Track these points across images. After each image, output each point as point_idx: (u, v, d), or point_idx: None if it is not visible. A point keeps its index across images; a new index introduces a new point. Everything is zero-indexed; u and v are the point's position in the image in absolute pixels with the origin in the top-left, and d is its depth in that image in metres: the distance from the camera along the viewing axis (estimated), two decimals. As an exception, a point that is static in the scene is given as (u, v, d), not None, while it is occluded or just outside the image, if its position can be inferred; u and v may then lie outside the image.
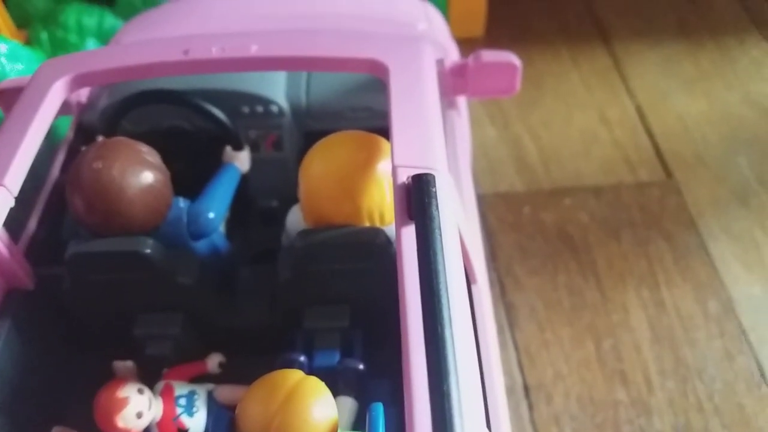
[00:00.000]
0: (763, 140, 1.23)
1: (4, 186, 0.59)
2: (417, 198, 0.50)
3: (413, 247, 0.49)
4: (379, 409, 0.51)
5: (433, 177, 0.52)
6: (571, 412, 0.91)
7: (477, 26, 1.41)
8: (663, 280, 1.04)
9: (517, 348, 0.97)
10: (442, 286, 0.45)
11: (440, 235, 0.48)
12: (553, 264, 1.06)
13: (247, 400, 0.52)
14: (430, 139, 0.58)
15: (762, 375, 0.93)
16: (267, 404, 0.51)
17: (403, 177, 0.54)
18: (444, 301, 0.45)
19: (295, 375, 0.53)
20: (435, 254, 0.47)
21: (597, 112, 1.30)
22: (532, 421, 0.90)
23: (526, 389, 0.93)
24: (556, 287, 1.04)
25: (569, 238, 1.10)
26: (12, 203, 0.60)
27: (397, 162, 0.55)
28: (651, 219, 1.12)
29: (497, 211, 1.14)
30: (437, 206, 0.50)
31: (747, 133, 1.25)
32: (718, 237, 1.09)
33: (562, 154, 1.23)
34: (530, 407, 0.91)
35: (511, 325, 1.00)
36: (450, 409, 0.40)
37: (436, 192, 0.51)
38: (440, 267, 0.46)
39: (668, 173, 1.19)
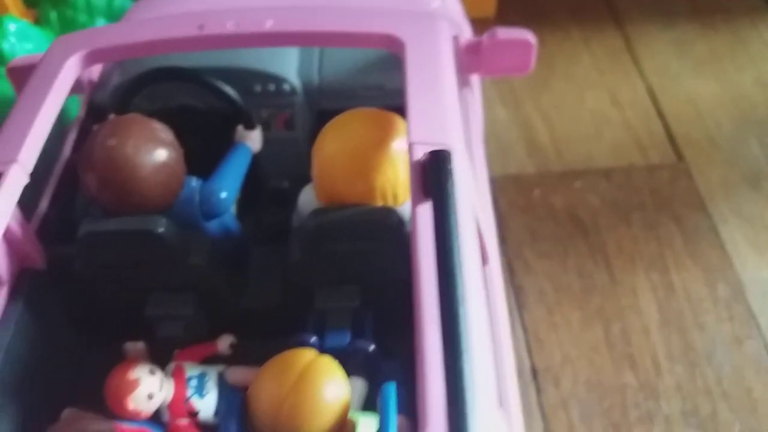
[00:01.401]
0: (775, 123, 1.22)
1: (19, 163, 0.59)
2: (434, 175, 0.50)
3: (429, 224, 0.49)
4: (391, 389, 0.51)
5: (450, 154, 0.51)
6: (579, 395, 0.91)
7: (489, 6, 1.40)
8: (672, 263, 1.04)
9: (525, 331, 0.97)
10: (457, 264, 0.45)
11: (456, 213, 0.48)
12: (563, 247, 1.06)
13: (259, 380, 0.52)
14: (447, 116, 0.57)
15: (771, 359, 0.93)
16: (279, 384, 0.51)
17: (420, 154, 0.54)
18: (459, 279, 0.44)
19: (308, 354, 0.53)
20: (451, 231, 0.47)
21: (608, 94, 1.29)
22: (540, 404, 0.90)
23: (534, 372, 0.93)
24: (565, 270, 1.04)
25: (579, 221, 1.10)
26: (27, 180, 0.60)
27: (413, 138, 0.55)
28: (661, 202, 1.11)
29: (507, 194, 1.13)
30: (453, 183, 0.50)
31: (758, 115, 1.24)
32: (729, 220, 1.09)
33: (573, 136, 1.22)
34: (538, 390, 0.91)
35: (520, 308, 1.00)
36: (463, 386, 0.40)
37: (452, 169, 0.50)
38: (456, 244, 0.46)
39: (679, 156, 1.18)
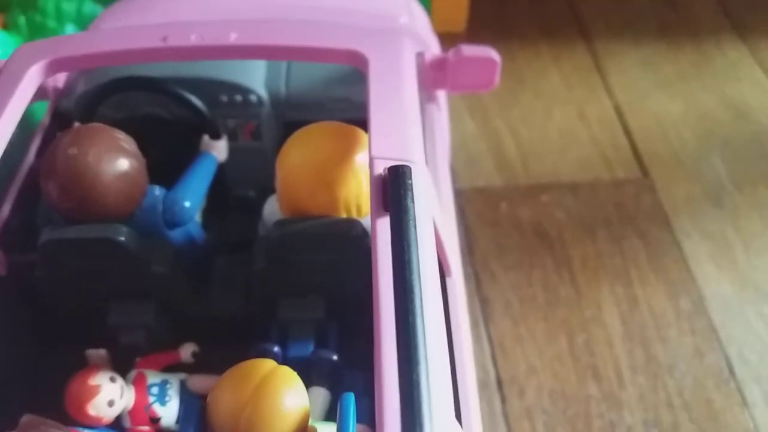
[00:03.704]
0: (738, 142, 1.25)
1: (-23, 170, 0.59)
2: (393, 190, 0.51)
3: (388, 239, 0.49)
4: (350, 399, 0.51)
5: (410, 169, 0.52)
6: (543, 405, 0.92)
7: (459, 22, 1.42)
8: (636, 278, 1.05)
9: (491, 342, 0.98)
10: (414, 277, 0.45)
11: (414, 227, 0.49)
12: (529, 260, 1.07)
13: (218, 389, 0.52)
14: (408, 131, 0.58)
15: (731, 371, 0.94)
16: (238, 393, 0.51)
17: (380, 169, 0.54)
18: (416, 291, 0.45)
19: (267, 364, 0.53)
20: (409, 246, 0.47)
21: (576, 109, 1.31)
22: (505, 415, 0.91)
23: (499, 383, 0.94)
24: (531, 283, 1.05)
25: (545, 234, 1.11)
26: None
27: (374, 153, 0.56)
28: (626, 217, 1.13)
29: (475, 206, 1.14)
30: (413, 198, 0.50)
31: (722, 134, 1.27)
32: (692, 236, 1.11)
33: (541, 150, 1.24)
34: (503, 400, 0.92)
35: (486, 320, 1.00)
36: (419, 397, 0.40)
37: (411, 184, 0.51)
38: (413, 258, 0.47)
39: (644, 172, 1.20)
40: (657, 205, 1.15)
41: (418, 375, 0.41)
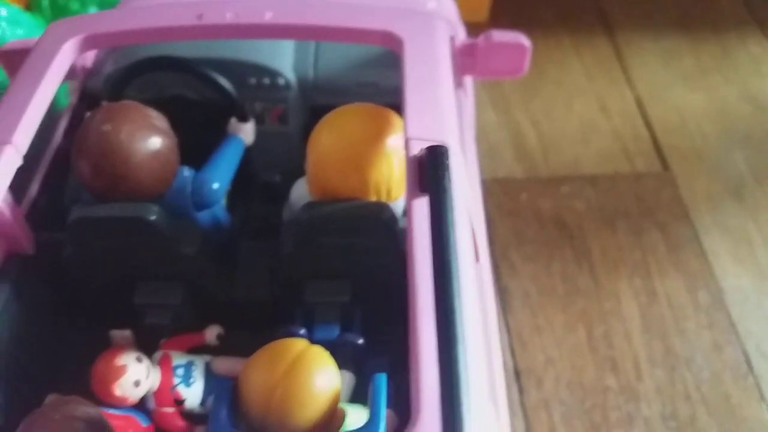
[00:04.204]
0: (760, 136, 1.24)
1: (12, 144, 0.59)
2: (431, 170, 0.51)
3: (425, 219, 0.49)
4: (382, 379, 0.51)
5: (447, 149, 0.52)
6: (561, 396, 0.92)
7: (481, 11, 1.41)
8: (655, 270, 1.05)
9: (509, 332, 0.98)
10: (453, 257, 0.45)
11: (452, 208, 0.48)
12: (549, 251, 1.07)
13: (250, 368, 0.52)
14: (444, 113, 0.58)
15: (749, 366, 0.94)
16: (271, 372, 0.51)
17: (416, 149, 0.54)
18: (455, 272, 0.45)
19: (300, 344, 0.53)
20: (448, 226, 0.47)
21: (597, 101, 1.31)
22: (522, 405, 0.91)
23: (517, 373, 0.94)
24: (550, 274, 1.05)
25: (565, 225, 1.11)
26: (20, 162, 0.60)
27: (410, 134, 0.56)
28: (646, 210, 1.13)
29: (495, 197, 1.14)
30: (450, 179, 0.50)
31: (744, 128, 1.26)
32: (711, 230, 1.10)
33: (561, 141, 1.23)
34: (520, 391, 0.92)
35: (505, 310, 1.00)
36: (458, 376, 0.40)
37: (449, 164, 0.51)
38: (452, 239, 0.46)
39: (665, 165, 1.20)
40: (677, 198, 1.15)
41: (457, 354, 0.41)
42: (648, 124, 1.27)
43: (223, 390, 0.52)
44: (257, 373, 0.51)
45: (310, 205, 0.67)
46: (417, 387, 0.42)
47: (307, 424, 0.50)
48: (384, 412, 0.50)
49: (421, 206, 0.50)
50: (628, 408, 0.90)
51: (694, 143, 1.24)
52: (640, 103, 1.31)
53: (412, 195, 0.52)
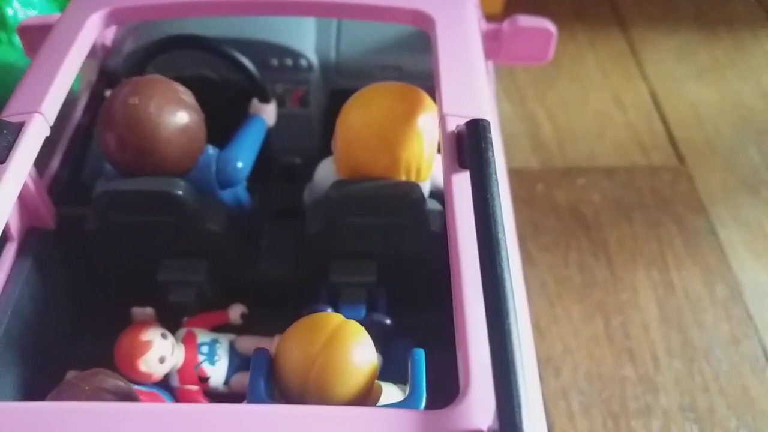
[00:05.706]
0: (774, 131, 1.24)
1: (42, 114, 0.58)
2: (473, 144, 0.50)
3: (465, 194, 0.48)
4: (421, 354, 0.51)
5: (489, 122, 0.51)
6: (579, 386, 0.91)
7: (496, 3, 1.41)
8: (672, 263, 1.04)
9: (527, 321, 0.97)
10: (501, 230, 0.45)
11: (497, 181, 0.48)
12: (565, 241, 1.07)
13: (287, 341, 0.52)
14: (478, 89, 0.57)
15: (767, 359, 0.93)
16: (309, 345, 0.50)
17: (452, 125, 0.54)
18: (503, 244, 0.44)
19: (336, 318, 0.53)
20: (493, 198, 0.46)
21: (612, 95, 1.30)
22: (541, 393, 0.90)
23: (536, 362, 0.93)
24: (567, 264, 1.04)
25: (581, 216, 1.10)
26: (48, 132, 0.59)
27: (445, 110, 0.55)
28: (662, 202, 1.12)
29: (511, 187, 1.13)
30: (493, 152, 0.49)
31: (758, 123, 1.26)
32: (727, 223, 1.10)
33: (577, 134, 1.23)
34: (539, 380, 0.91)
35: (522, 299, 1.00)
36: (512, 348, 0.39)
37: (491, 138, 0.50)
38: (498, 210, 0.46)
39: (680, 159, 1.20)
40: (693, 192, 1.14)
41: (509, 325, 0.40)
42: (663, 118, 1.27)
43: (261, 362, 0.51)
44: (295, 346, 0.51)
45: (339, 184, 0.66)
46: (466, 360, 0.41)
47: (346, 396, 0.49)
48: (424, 386, 0.49)
49: (460, 181, 0.50)
50: (647, 398, 0.90)
51: (708, 137, 1.23)
52: (654, 98, 1.30)
53: (450, 170, 0.51)
